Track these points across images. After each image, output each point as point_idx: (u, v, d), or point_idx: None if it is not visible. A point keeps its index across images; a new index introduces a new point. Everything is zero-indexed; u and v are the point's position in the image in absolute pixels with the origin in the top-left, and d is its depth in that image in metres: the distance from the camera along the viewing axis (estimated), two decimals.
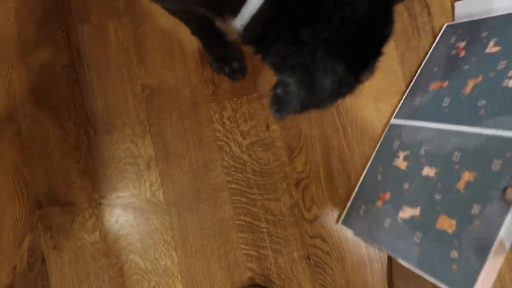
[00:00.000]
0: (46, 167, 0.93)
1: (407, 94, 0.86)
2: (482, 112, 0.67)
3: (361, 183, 0.85)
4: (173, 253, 0.89)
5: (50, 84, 0.95)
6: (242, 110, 0.91)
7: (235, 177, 0.90)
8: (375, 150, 0.86)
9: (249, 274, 0.87)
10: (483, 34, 0.78)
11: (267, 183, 0.89)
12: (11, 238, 0.92)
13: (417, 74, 0.87)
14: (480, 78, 0.72)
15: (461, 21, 0.85)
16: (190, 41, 0.93)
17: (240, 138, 0.90)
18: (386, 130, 0.86)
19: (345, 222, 0.84)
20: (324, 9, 0.41)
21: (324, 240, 0.86)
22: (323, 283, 0.85)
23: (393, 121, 0.86)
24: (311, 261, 0.86)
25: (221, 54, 0.89)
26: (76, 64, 0.95)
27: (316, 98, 0.45)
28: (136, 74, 0.94)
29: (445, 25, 0.87)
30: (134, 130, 0.92)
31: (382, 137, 0.86)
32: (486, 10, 0.81)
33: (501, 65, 0.69)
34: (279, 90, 0.46)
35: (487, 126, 0.65)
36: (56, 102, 0.94)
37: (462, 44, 0.81)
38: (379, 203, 0.77)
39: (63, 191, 0.92)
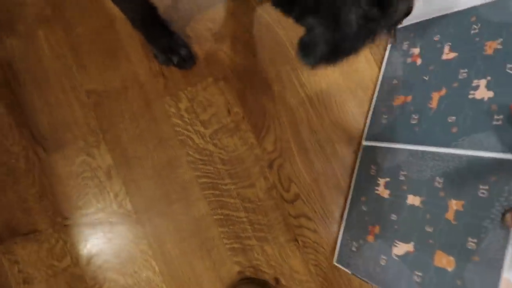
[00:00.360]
0: None
1: (372, 112, 0.81)
2: (454, 129, 0.62)
3: (347, 217, 0.79)
4: (153, 263, 0.83)
5: None
6: (199, 98, 0.85)
7: (203, 170, 0.84)
8: (353, 179, 0.80)
9: (237, 268, 0.82)
10: (435, 38, 0.72)
11: (239, 170, 0.83)
12: None
13: (377, 87, 0.81)
14: (444, 90, 0.67)
15: (407, 23, 0.79)
16: (130, 35, 0.86)
17: (202, 129, 0.84)
18: (359, 154, 0.80)
19: (339, 261, 0.78)
20: None
21: (308, 218, 0.81)
22: (317, 262, 0.80)
23: (365, 143, 0.80)
24: (299, 242, 0.81)
25: (167, 44, 0.83)
26: (11, 82, 0.87)
27: (343, 37, 0.44)
28: (78, 81, 0.86)
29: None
30: (87, 141, 0.85)
31: (357, 163, 0.80)
32: (431, 10, 0.75)
33: (463, 74, 0.64)
34: (305, 37, 0.47)
35: (462, 147, 0.60)
36: None
37: (416, 51, 0.75)
38: (370, 238, 0.71)
39: (23, 220, 0.85)
